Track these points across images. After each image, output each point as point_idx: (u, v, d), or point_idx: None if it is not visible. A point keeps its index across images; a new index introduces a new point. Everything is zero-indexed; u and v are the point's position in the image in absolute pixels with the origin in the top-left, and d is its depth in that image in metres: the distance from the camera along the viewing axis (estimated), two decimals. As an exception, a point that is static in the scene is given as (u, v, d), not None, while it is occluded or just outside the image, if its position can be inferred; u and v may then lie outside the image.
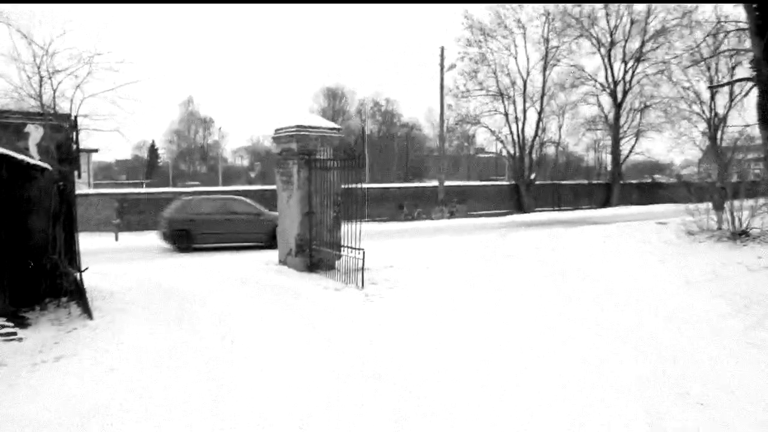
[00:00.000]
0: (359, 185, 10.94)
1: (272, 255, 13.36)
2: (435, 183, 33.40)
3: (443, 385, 5.33)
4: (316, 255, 11.87)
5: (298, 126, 11.84)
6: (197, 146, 71.92)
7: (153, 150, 70.60)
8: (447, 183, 33.44)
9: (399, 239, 18.18)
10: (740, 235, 14.01)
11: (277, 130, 12.60)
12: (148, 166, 69.06)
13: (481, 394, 5.09)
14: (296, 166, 11.90)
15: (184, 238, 16.91)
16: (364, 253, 10.38)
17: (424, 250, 14.87)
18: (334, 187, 11.92)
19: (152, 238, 19.74)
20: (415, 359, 6.15)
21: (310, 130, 11.91)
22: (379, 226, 23.84)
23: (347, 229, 11.06)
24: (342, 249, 11.36)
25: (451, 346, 6.62)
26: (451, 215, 31.54)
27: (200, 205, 17.73)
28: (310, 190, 11.87)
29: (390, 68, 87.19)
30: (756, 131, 17.07)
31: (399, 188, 33.08)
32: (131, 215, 23.88)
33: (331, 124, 12.46)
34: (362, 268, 10.36)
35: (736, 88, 26.09)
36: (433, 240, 17.60)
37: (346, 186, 11.63)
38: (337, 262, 11.75)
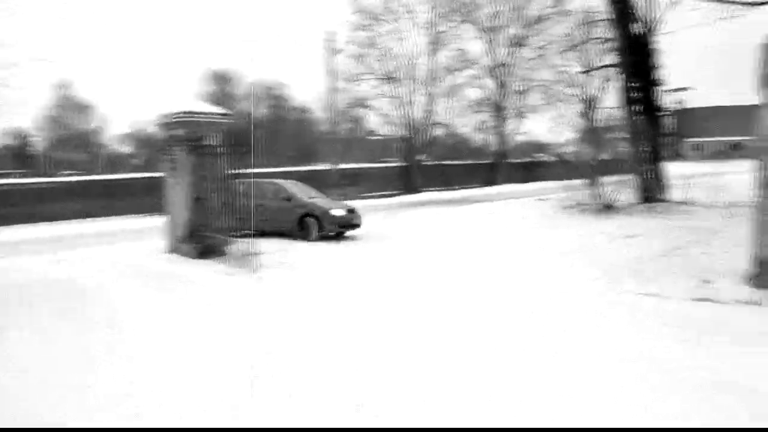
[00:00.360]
0: (249, 170, 10.97)
1: (165, 243, 13.06)
2: (327, 166, 33.54)
3: (330, 355, 5.60)
4: (206, 241, 11.78)
5: (185, 112, 11.65)
6: (75, 133, 67.63)
7: (23, 137, 65.59)
8: (339, 165, 33.69)
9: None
10: (608, 208, 15.32)
11: (163, 116, 12.31)
12: (18, 155, 64.11)
13: (359, 357, 5.41)
14: (184, 153, 11.72)
15: None
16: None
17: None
18: (223, 172, 11.86)
19: (31, 231, 18.66)
20: (307, 334, 6.38)
21: (198, 115, 11.74)
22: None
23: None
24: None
25: (341, 320, 6.93)
26: (343, 197, 31.83)
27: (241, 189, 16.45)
28: (199, 176, 11.73)
29: (280, 52, 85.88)
30: (621, 112, 18.51)
31: (290, 172, 32.90)
32: (2, 208, 22.27)
33: (219, 110, 12.34)
34: (254, 252, 10.44)
35: (606, 73, 28.11)
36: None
37: (237, 171, 11.59)
38: (228, 248, 11.76)
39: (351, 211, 15.01)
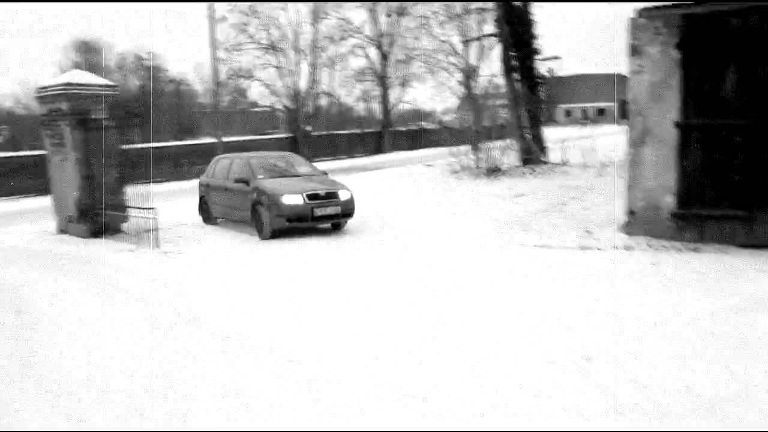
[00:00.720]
0: (144, 144, 10.65)
1: (50, 224, 12.40)
2: (211, 139, 32.68)
3: (249, 321, 5.82)
4: (101, 219, 11.39)
5: (67, 84, 11.09)
6: None
7: None
8: (225, 139, 32.91)
9: (183, 198, 17.81)
10: (494, 171, 16.26)
11: (41, 88, 11.66)
12: None
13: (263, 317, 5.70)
14: (69, 127, 11.20)
15: (203, 209, 13.10)
16: (156, 212, 10.26)
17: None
18: (113, 147, 11.45)
19: None
20: (226, 304, 6.53)
21: (82, 87, 11.22)
22: (157, 187, 22.92)
23: (133, 191, 10.84)
24: (129, 210, 11.11)
25: (251, 286, 7.14)
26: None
27: (221, 166, 12.73)
28: (88, 152, 11.26)
29: (153, 20, 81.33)
30: (501, 80, 19.54)
31: (175, 146, 31.88)
32: None
33: (105, 81, 11.84)
34: (156, 228, 10.25)
35: (485, 42, 29.24)
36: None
37: (127, 146, 11.24)
38: (124, 225, 11.45)
39: (321, 196, 10.57)
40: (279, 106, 39.59)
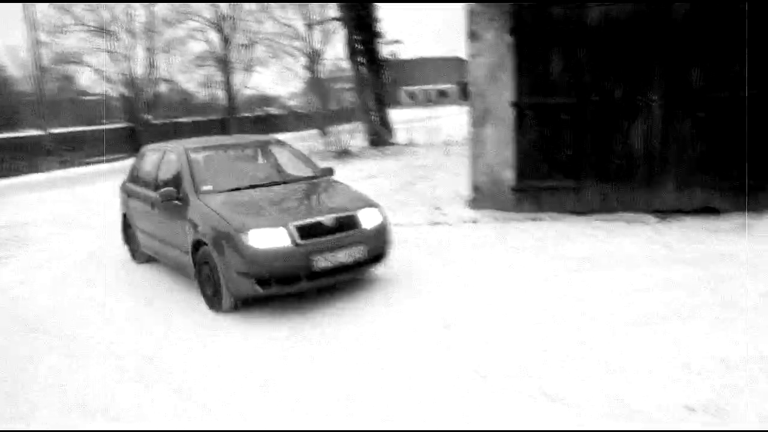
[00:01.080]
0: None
1: None
2: (35, 131, 29.89)
3: (84, 325, 5.52)
4: None
5: None
6: None
7: None
8: (54, 130, 30.24)
9: (6, 198, 16.22)
10: (344, 154, 16.49)
11: None
12: None
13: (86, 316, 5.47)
14: None
15: (128, 234, 8.01)
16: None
17: (40, 206, 13.71)
18: None
19: None
20: (62, 309, 6.11)
21: None
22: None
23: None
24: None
25: (85, 288, 6.75)
26: (64, 165, 28.87)
27: (148, 163, 7.43)
28: None
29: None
30: (346, 64, 19.78)
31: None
32: None
33: None
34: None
35: (329, 26, 29.41)
36: (47, 194, 16.22)
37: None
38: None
39: (327, 228, 5.40)
40: (114, 94, 37.11)
